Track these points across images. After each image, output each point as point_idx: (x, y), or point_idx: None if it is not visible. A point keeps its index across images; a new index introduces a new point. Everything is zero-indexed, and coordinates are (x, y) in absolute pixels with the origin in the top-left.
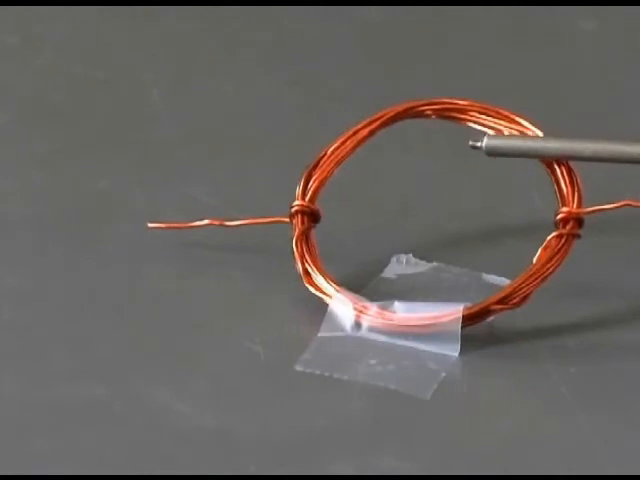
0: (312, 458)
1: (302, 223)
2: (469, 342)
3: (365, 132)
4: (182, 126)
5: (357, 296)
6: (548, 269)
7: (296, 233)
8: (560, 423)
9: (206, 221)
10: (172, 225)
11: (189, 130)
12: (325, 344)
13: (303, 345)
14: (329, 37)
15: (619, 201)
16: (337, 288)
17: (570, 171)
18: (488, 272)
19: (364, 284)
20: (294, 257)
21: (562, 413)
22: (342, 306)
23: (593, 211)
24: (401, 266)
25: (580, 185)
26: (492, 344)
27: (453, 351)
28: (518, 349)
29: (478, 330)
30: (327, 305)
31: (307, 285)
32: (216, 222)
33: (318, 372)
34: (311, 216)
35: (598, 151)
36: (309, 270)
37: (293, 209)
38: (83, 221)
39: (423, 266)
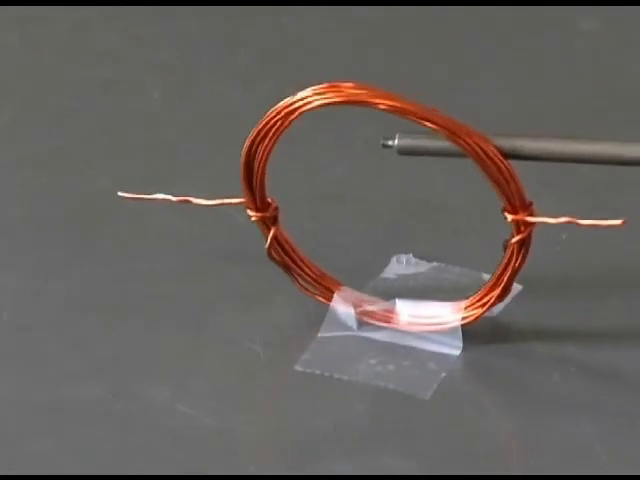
0: (312, 458)
1: (267, 230)
2: (469, 342)
3: (285, 123)
4: (182, 126)
5: (357, 293)
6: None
7: (266, 245)
8: (560, 423)
9: (174, 198)
10: (139, 197)
11: (189, 130)
12: (325, 344)
13: (303, 345)
14: (329, 37)
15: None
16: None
17: (507, 167)
18: (488, 272)
19: (364, 284)
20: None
21: (562, 413)
22: (342, 306)
23: (537, 222)
24: (401, 266)
25: (519, 183)
26: (492, 344)
27: (453, 351)
28: (518, 349)
29: (478, 330)
30: (327, 305)
31: (302, 290)
32: (182, 199)
33: (318, 372)
34: (270, 221)
35: (517, 149)
36: (297, 273)
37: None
38: (83, 221)
39: (423, 266)
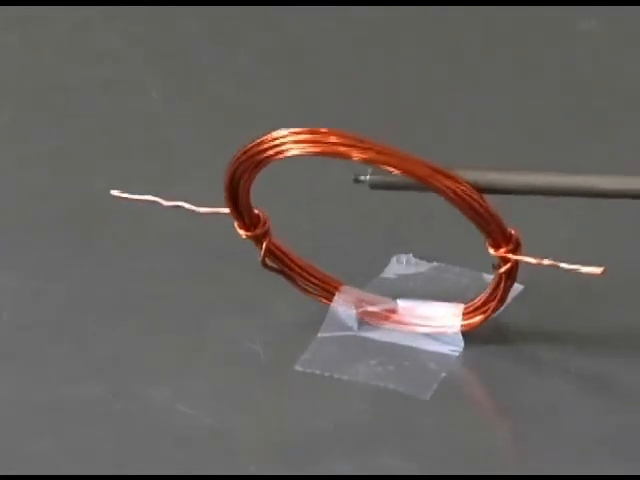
0: (312, 458)
1: (259, 244)
2: (469, 342)
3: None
4: (182, 126)
5: (358, 291)
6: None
7: (260, 258)
8: (560, 423)
9: (165, 202)
10: (133, 197)
11: (189, 130)
12: (325, 344)
13: (303, 345)
14: (329, 37)
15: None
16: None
17: (484, 203)
18: (488, 272)
19: (364, 284)
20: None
21: (562, 413)
22: (342, 306)
23: (517, 260)
24: (401, 266)
25: (498, 218)
26: (492, 344)
27: (453, 351)
28: (518, 349)
29: (478, 330)
30: (328, 305)
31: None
32: (175, 204)
33: (318, 372)
34: (262, 237)
35: (478, 181)
36: (295, 278)
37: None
38: (83, 221)
39: (423, 266)
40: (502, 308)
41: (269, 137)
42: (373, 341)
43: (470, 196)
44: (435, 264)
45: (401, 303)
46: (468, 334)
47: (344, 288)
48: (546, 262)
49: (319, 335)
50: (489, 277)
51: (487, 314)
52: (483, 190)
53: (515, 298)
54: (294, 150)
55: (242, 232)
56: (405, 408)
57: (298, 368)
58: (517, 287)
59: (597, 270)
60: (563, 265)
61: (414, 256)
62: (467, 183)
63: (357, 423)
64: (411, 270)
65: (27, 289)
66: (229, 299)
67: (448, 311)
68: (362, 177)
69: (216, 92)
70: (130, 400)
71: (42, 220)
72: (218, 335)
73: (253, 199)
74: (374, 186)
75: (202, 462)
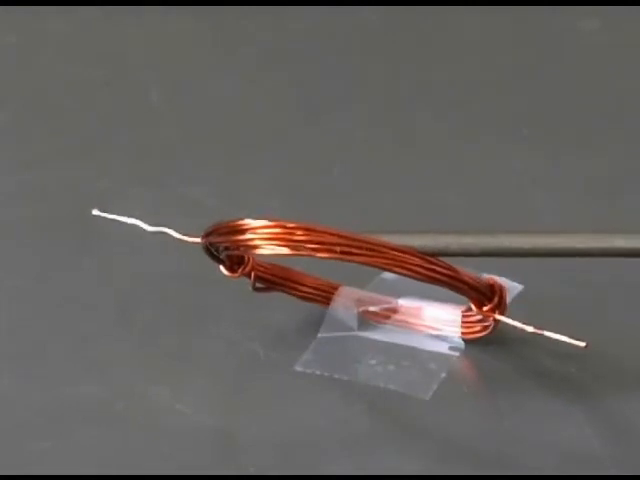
0: (312, 458)
1: (246, 275)
2: (469, 342)
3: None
4: (182, 126)
5: (357, 291)
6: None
7: (251, 287)
8: (560, 423)
9: (150, 228)
10: (115, 218)
11: (189, 130)
12: (325, 344)
13: (303, 345)
14: (329, 37)
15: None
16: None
17: (451, 277)
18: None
19: (364, 284)
20: None
21: (562, 413)
22: (342, 306)
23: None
24: None
25: (472, 282)
26: (492, 344)
27: (453, 351)
28: (518, 349)
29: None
30: (327, 305)
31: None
32: (157, 230)
33: (318, 372)
34: (248, 272)
35: (444, 249)
36: (291, 292)
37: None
38: (83, 221)
39: None
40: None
41: (242, 226)
42: (373, 341)
43: (434, 269)
44: None
45: (401, 303)
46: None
47: (343, 289)
48: (530, 329)
49: (319, 335)
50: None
51: (488, 330)
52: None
53: (515, 298)
54: (262, 250)
55: (227, 273)
56: (405, 408)
57: (298, 368)
58: (517, 287)
59: (581, 344)
60: (547, 334)
61: None
62: (428, 256)
63: (357, 423)
64: None
65: (27, 289)
66: (229, 299)
67: (448, 310)
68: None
69: (216, 92)
70: (130, 400)
71: (42, 220)
72: (218, 335)
73: (253, 198)
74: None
75: (202, 462)
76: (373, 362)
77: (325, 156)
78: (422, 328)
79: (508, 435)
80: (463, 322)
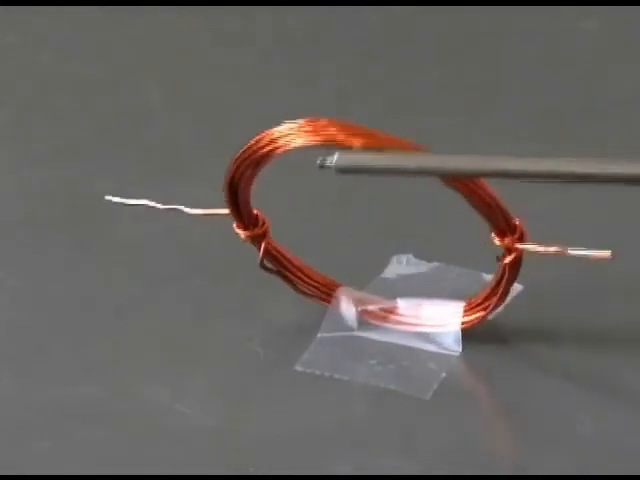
0: (312, 458)
1: (258, 245)
2: (469, 342)
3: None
4: (182, 126)
5: (357, 292)
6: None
7: (259, 260)
8: (560, 423)
9: (162, 206)
10: (128, 202)
11: (189, 130)
12: (325, 344)
13: (303, 345)
14: (329, 37)
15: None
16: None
17: (486, 192)
18: (488, 272)
19: (364, 284)
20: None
21: (562, 413)
22: (342, 306)
23: (526, 248)
24: (401, 266)
25: (502, 207)
26: (492, 344)
27: (453, 351)
28: (518, 349)
29: (478, 330)
30: (327, 305)
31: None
32: (171, 207)
33: (318, 372)
34: (261, 237)
35: (460, 168)
36: (294, 280)
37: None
38: (83, 221)
39: (423, 266)
40: (502, 306)
41: (268, 133)
42: (373, 341)
43: (475, 183)
44: (435, 264)
45: (401, 303)
46: (468, 334)
47: (343, 288)
48: (553, 249)
49: (319, 335)
50: (489, 277)
51: (487, 310)
52: (487, 177)
53: (515, 298)
54: (295, 143)
55: (241, 232)
56: (405, 408)
57: (298, 368)
58: (517, 287)
59: (605, 254)
60: (570, 251)
61: (414, 256)
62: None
63: (357, 423)
64: (411, 270)
65: (27, 289)
66: (229, 299)
67: (448, 309)
68: (328, 162)
69: (216, 92)
70: (130, 400)
71: (42, 220)
72: (218, 335)
73: (253, 200)
74: (341, 170)
75: (202, 462)
76: (373, 362)
77: (325, 156)
78: (422, 326)
79: (508, 435)
80: (464, 313)
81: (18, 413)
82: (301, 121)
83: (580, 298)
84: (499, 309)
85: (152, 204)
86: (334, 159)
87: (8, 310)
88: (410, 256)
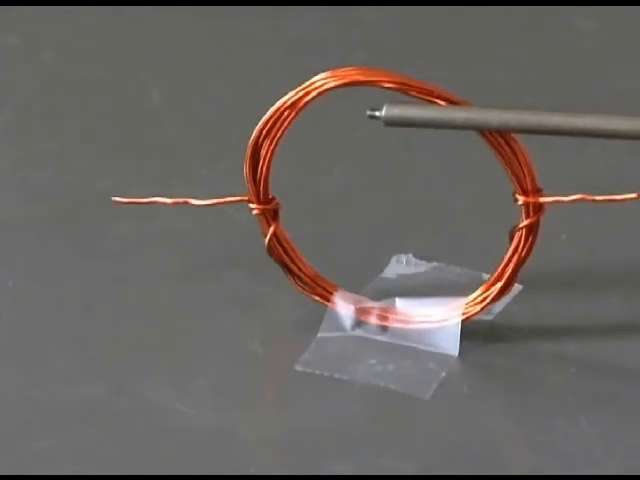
0: (312, 458)
1: (267, 225)
2: (469, 342)
3: (300, 104)
4: (182, 126)
5: (355, 296)
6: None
7: (266, 240)
8: (560, 423)
9: (170, 200)
10: (135, 201)
11: (189, 130)
12: (325, 344)
13: (303, 345)
14: (329, 37)
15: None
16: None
17: (519, 149)
18: (488, 272)
19: (364, 284)
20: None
21: (562, 413)
22: (342, 306)
23: (550, 202)
24: (401, 266)
25: (531, 166)
26: (492, 344)
27: (453, 351)
28: (518, 349)
29: (478, 330)
30: (327, 305)
31: (300, 290)
32: (180, 201)
33: (318, 372)
34: (273, 214)
35: (505, 121)
36: (295, 271)
37: (252, 212)
38: (83, 221)
39: (423, 266)
40: (502, 307)
41: (299, 88)
42: (373, 341)
43: (513, 139)
44: (435, 264)
45: (401, 302)
46: (468, 334)
47: (341, 292)
48: (576, 197)
49: (319, 335)
50: (489, 277)
51: (493, 296)
52: (516, 131)
53: (515, 298)
54: (327, 85)
55: (254, 206)
56: (405, 408)
57: (298, 368)
58: (517, 287)
59: (632, 195)
60: (596, 198)
61: (414, 256)
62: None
63: (357, 423)
64: (411, 270)
65: (27, 289)
66: (229, 299)
67: (448, 309)
68: (377, 113)
69: (216, 92)
70: (130, 400)
71: (42, 220)
72: (218, 335)
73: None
74: (389, 122)
75: (202, 462)
76: (373, 362)
77: (325, 156)
78: (422, 325)
79: (508, 435)
80: (466, 306)
81: (18, 413)
82: (330, 71)
83: (580, 298)
84: (499, 308)
85: (162, 200)
86: (383, 111)
87: (8, 310)
88: (410, 256)
